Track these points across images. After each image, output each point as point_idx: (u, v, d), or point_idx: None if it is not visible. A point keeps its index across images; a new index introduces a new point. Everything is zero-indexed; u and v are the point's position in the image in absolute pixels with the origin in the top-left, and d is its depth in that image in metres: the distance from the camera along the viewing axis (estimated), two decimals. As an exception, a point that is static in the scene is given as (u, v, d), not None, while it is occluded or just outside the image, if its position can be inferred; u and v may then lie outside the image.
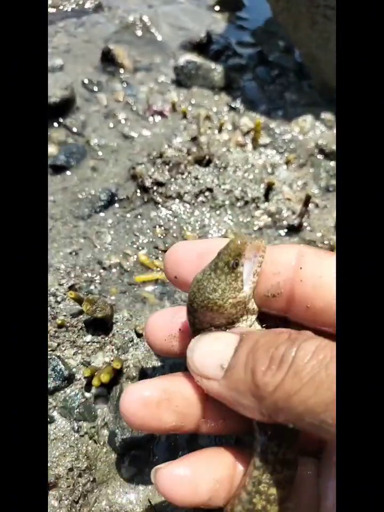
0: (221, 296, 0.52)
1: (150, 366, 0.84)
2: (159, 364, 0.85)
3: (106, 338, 0.86)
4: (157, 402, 0.54)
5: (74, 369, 0.81)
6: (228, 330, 0.55)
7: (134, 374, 0.82)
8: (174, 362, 0.85)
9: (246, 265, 0.53)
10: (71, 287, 0.91)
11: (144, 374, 0.83)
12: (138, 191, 1.16)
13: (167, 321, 0.62)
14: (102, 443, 0.76)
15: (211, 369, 0.51)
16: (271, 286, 0.56)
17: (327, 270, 0.53)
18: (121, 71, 1.59)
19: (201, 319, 0.55)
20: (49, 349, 0.82)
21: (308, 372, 0.43)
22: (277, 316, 0.59)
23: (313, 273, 0.54)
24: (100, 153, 1.29)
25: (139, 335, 0.88)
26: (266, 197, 1.13)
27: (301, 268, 0.54)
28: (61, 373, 0.79)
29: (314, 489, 0.55)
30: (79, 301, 0.82)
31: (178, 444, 0.77)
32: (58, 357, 0.81)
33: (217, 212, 1.12)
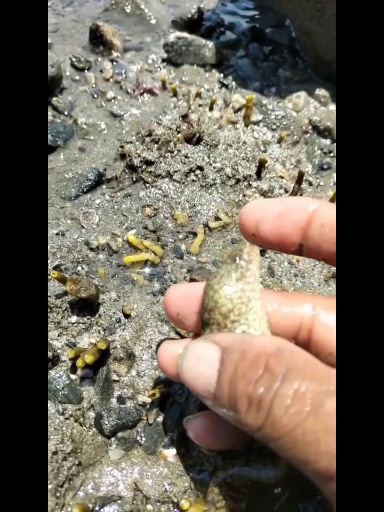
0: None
1: (138, 347, 0.82)
2: (148, 344, 0.82)
3: (93, 319, 0.83)
4: None
5: (59, 351, 0.79)
6: (212, 335, 0.53)
7: (121, 355, 0.79)
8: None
9: None
10: (56, 267, 0.88)
11: (131, 354, 0.80)
12: (127, 170, 1.12)
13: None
14: (88, 426, 0.74)
15: (201, 391, 0.51)
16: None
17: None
18: (111, 51, 1.54)
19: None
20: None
21: (284, 425, 0.41)
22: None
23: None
24: (88, 132, 1.25)
25: (127, 316, 0.85)
26: (258, 175, 1.10)
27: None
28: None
29: None
30: (62, 280, 0.79)
31: (167, 426, 0.75)
32: (43, 338, 0.78)
33: (208, 191, 1.08)
